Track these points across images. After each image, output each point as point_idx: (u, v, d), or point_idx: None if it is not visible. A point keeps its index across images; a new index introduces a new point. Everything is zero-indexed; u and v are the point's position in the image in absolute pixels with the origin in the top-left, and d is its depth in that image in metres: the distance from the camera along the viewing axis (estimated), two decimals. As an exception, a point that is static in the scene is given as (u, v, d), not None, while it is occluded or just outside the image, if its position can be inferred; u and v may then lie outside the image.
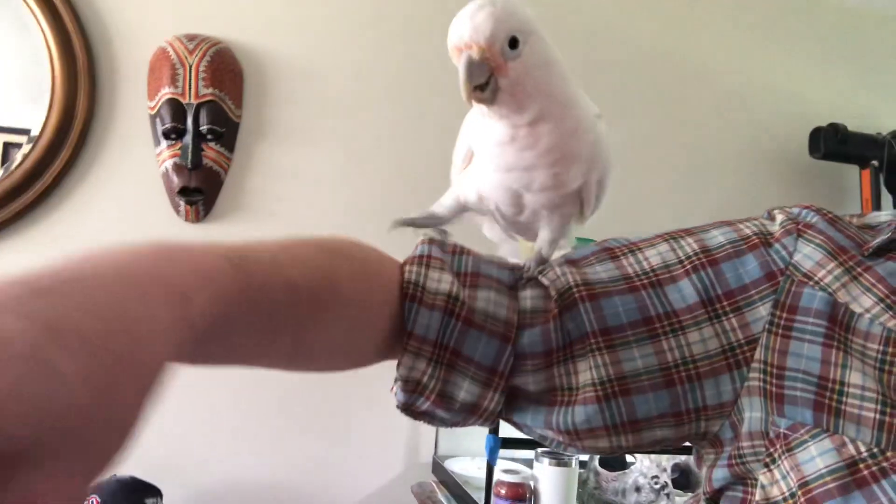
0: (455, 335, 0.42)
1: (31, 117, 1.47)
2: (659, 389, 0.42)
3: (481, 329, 0.42)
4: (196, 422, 1.55)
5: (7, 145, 1.47)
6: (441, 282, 0.43)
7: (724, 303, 0.42)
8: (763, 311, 0.42)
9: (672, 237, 0.46)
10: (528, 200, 0.49)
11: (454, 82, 0.43)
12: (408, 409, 0.44)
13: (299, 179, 1.63)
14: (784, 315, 0.41)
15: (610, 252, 0.46)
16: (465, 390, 0.42)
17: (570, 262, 0.46)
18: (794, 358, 0.40)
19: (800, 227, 0.44)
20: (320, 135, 1.64)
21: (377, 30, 1.69)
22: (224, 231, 1.58)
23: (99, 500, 1.31)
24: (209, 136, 1.52)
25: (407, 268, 0.44)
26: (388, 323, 0.42)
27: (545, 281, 0.45)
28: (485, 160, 0.49)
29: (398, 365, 0.42)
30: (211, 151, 1.53)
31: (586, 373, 0.42)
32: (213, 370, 1.49)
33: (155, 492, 1.39)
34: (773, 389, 0.41)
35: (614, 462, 1.37)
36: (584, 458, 1.40)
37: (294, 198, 1.62)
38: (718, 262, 0.43)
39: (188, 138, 1.50)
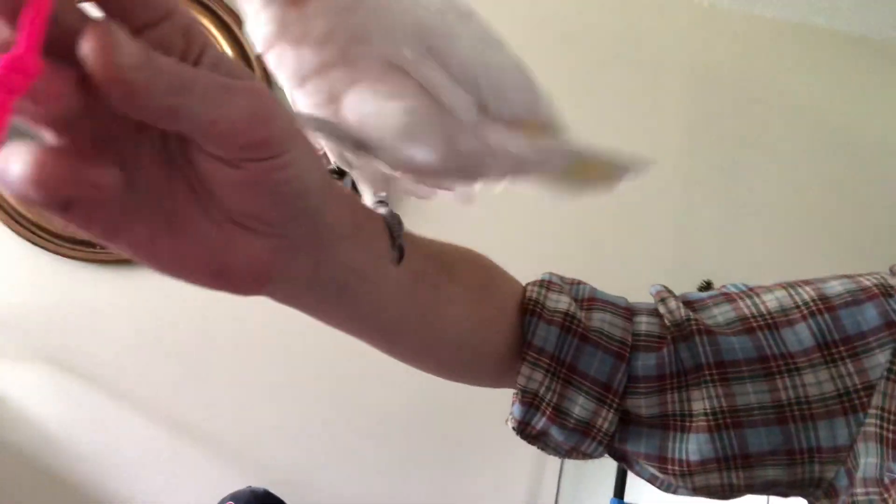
0: (572, 350, 0.44)
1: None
2: (772, 425, 0.42)
3: (596, 346, 0.44)
4: (325, 444, 1.65)
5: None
6: (559, 302, 0.45)
7: (841, 348, 0.43)
8: (881, 358, 0.42)
9: (790, 285, 0.47)
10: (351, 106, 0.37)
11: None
12: (524, 428, 0.45)
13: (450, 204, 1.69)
14: None
15: (727, 296, 0.47)
16: (579, 405, 0.44)
17: (686, 302, 0.47)
18: None
19: None
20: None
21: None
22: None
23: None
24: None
25: (528, 288, 0.47)
26: (506, 338, 0.44)
27: (662, 310, 0.46)
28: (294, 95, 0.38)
29: (517, 375, 0.44)
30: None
31: (699, 402, 0.43)
32: (352, 399, 1.54)
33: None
34: (891, 436, 0.40)
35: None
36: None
37: (449, 220, 1.68)
38: (836, 308, 0.44)
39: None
